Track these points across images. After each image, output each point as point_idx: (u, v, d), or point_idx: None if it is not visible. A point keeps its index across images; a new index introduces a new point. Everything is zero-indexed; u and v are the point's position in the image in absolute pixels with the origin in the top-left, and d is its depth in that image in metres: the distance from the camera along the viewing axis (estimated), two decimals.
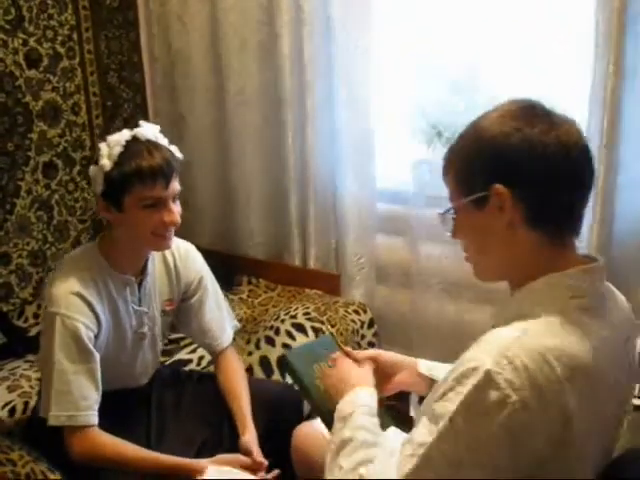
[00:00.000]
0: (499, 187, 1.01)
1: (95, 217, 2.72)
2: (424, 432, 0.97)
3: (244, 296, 2.68)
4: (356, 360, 1.35)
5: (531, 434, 0.92)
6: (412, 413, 1.45)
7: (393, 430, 1.46)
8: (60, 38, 2.55)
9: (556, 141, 1.00)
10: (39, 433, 1.65)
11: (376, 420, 1.17)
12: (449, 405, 0.93)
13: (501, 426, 0.90)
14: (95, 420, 1.54)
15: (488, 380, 0.90)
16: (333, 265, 2.70)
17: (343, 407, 1.19)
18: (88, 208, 2.71)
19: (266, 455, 1.64)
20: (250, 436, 1.66)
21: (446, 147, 2.31)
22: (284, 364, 1.44)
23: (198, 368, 2.16)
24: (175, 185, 1.56)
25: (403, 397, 1.46)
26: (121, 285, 1.63)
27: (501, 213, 1.02)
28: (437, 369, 1.40)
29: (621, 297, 1.13)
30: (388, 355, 1.43)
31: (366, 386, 1.25)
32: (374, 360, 1.40)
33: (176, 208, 1.57)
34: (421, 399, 1.42)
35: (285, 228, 2.72)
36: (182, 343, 2.27)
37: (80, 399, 1.51)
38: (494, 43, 2.29)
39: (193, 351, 2.23)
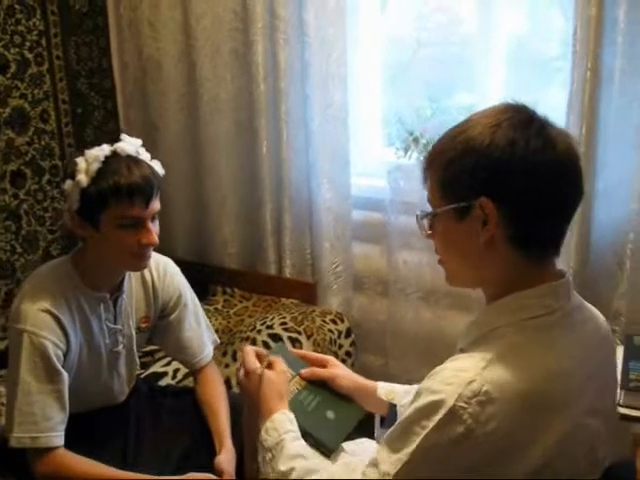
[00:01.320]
0: (486, 201, 0.96)
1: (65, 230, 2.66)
2: (389, 462, 0.94)
3: (219, 306, 2.64)
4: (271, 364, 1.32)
5: (501, 465, 0.90)
6: (376, 435, 1.43)
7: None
8: (28, 44, 2.49)
9: (551, 160, 0.95)
10: (8, 453, 1.59)
11: (304, 443, 1.19)
12: (414, 437, 0.91)
13: (467, 459, 0.89)
14: (59, 441, 1.48)
15: (453, 415, 0.88)
16: (309, 274, 2.66)
17: (267, 436, 1.19)
18: (58, 218, 2.65)
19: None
20: (225, 456, 1.61)
21: (423, 153, 2.32)
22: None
23: (173, 382, 2.12)
24: (155, 204, 1.50)
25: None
26: (94, 302, 1.57)
27: (483, 227, 0.98)
28: (396, 393, 1.39)
29: (592, 309, 1.10)
30: (345, 381, 1.41)
31: (281, 410, 1.24)
32: (329, 381, 1.39)
33: (154, 228, 1.51)
34: (382, 420, 1.41)
35: (260, 237, 2.69)
36: (157, 356, 2.22)
37: (43, 420, 1.45)
38: (471, 48, 2.29)
39: (168, 364, 2.18)
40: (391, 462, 0.94)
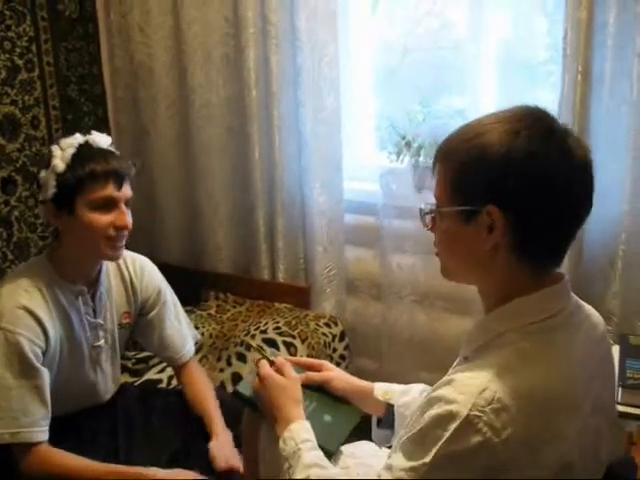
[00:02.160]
0: (494, 209, 0.95)
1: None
2: (405, 470, 0.94)
3: (212, 312, 2.63)
4: (280, 369, 1.33)
5: (518, 470, 0.90)
6: (373, 435, 1.44)
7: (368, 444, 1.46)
8: (18, 50, 2.48)
9: (567, 177, 0.94)
10: None
11: (321, 454, 1.20)
12: (430, 447, 0.91)
13: (485, 468, 0.89)
14: (42, 437, 1.49)
15: (469, 424, 0.88)
16: (302, 278, 2.66)
17: (284, 446, 1.20)
18: (49, 224, 2.63)
19: None
20: (217, 442, 1.64)
21: (416, 157, 2.33)
22: (237, 397, 1.43)
23: (169, 388, 2.10)
24: (127, 189, 1.55)
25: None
26: (71, 296, 1.59)
27: (488, 234, 0.97)
28: (394, 392, 1.40)
29: (588, 307, 1.11)
30: (340, 383, 1.42)
31: (299, 419, 1.25)
32: (324, 384, 1.41)
33: (128, 212, 1.55)
34: (379, 421, 1.41)
35: (253, 242, 2.68)
36: (150, 363, 2.21)
37: (22, 415, 1.46)
38: (462, 52, 2.31)
39: (162, 370, 2.17)
40: (407, 471, 0.94)
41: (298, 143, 2.50)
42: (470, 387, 0.90)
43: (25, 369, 1.47)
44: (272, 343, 2.29)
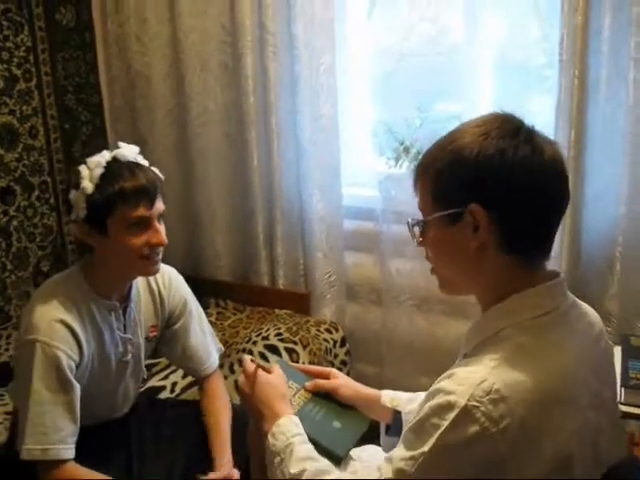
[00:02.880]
0: (476, 207, 0.99)
1: (55, 243, 2.65)
2: (404, 459, 0.96)
3: (212, 319, 2.63)
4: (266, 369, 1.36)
5: (516, 461, 0.92)
6: (381, 442, 1.45)
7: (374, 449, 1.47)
8: (16, 60, 2.49)
9: (539, 166, 0.98)
10: (10, 472, 1.58)
11: (312, 447, 1.21)
12: (429, 436, 0.93)
13: (483, 457, 0.91)
14: (70, 454, 1.47)
15: (466, 414, 0.90)
16: (302, 284, 2.68)
17: (274, 441, 1.21)
18: (48, 234, 2.64)
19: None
20: (215, 474, 1.60)
21: (414, 162, 2.35)
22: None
23: (172, 395, 2.11)
24: (159, 204, 1.51)
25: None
26: (106, 311, 1.57)
27: (474, 233, 1.00)
28: (400, 399, 1.42)
29: (585, 305, 1.13)
30: (348, 391, 1.44)
31: (287, 413, 1.26)
32: (332, 392, 1.42)
33: (162, 228, 1.52)
34: (387, 427, 1.43)
35: (252, 249, 2.69)
36: (154, 370, 2.21)
37: (53, 431, 1.44)
38: (458, 58, 2.33)
39: (165, 377, 2.18)
40: (406, 460, 0.96)
41: (296, 150, 2.51)
42: (469, 379, 0.93)
43: (60, 384, 1.44)
44: (274, 349, 2.29)
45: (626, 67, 1.94)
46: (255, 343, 2.33)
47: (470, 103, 2.35)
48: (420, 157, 1.10)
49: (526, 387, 0.92)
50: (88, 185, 1.44)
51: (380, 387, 1.48)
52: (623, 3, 1.89)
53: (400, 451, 0.98)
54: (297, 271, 2.67)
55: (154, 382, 2.16)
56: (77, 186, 1.46)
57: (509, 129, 1.00)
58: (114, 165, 1.48)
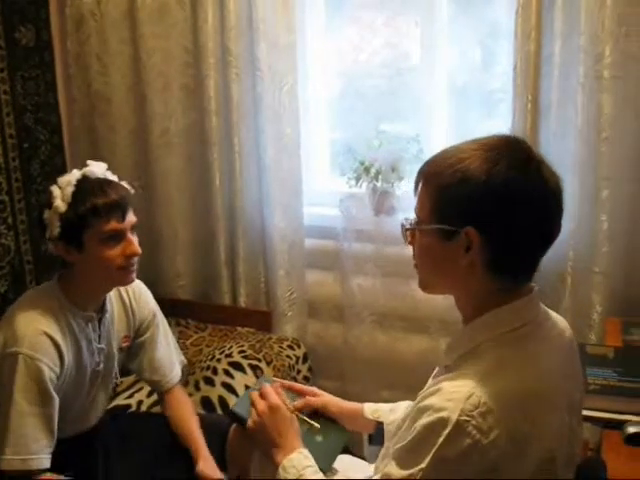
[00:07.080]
0: (472, 231, 1.03)
1: (13, 263, 2.61)
2: (403, 476, 1.00)
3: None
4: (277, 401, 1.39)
5: (508, 464, 0.97)
6: (365, 452, 1.51)
7: None
8: None
9: (543, 204, 1.03)
10: None
11: (322, 476, 1.27)
12: (425, 454, 0.97)
13: (476, 468, 0.96)
14: (47, 464, 1.49)
15: (459, 429, 0.95)
16: (263, 302, 2.70)
17: (284, 473, 1.26)
18: (5, 254, 2.59)
19: None
20: (204, 463, 1.66)
21: (374, 182, 2.40)
22: (231, 417, 1.50)
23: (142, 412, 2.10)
24: (131, 217, 1.57)
25: None
26: (83, 322, 1.60)
27: (466, 253, 1.04)
28: (382, 411, 1.48)
29: (555, 314, 1.20)
30: (334, 407, 1.50)
31: (300, 449, 1.30)
32: (321, 409, 1.48)
33: (135, 239, 1.58)
34: (370, 437, 1.50)
35: (214, 268, 2.71)
36: (118, 389, 2.20)
37: (33, 442, 1.46)
38: (416, 81, 2.42)
39: (131, 396, 2.17)
40: (403, 479, 1.00)
41: (258, 169, 2.55)
42: (457, 394, 0.97)
43: (41, 396, 1.47)
44: (238, 366, 2.31)
45: (574, 91, 2.04)
46: (219, 361, 2.34)
47: (427, 124, 2.45)
48: (425, 162, 1.12)
49: (511, 397, 0.98)
50: (60, 204, 1.50)
51: None
52: (572, 31, 2.00)
53: (396, 470, 1.02)
54: (259, 289, 2.69)
55: (120, 400, 2.15)
56: (50, 205, 1.51)
57: (519, 159, 1.03)
58: (84, 183, 1.54)
